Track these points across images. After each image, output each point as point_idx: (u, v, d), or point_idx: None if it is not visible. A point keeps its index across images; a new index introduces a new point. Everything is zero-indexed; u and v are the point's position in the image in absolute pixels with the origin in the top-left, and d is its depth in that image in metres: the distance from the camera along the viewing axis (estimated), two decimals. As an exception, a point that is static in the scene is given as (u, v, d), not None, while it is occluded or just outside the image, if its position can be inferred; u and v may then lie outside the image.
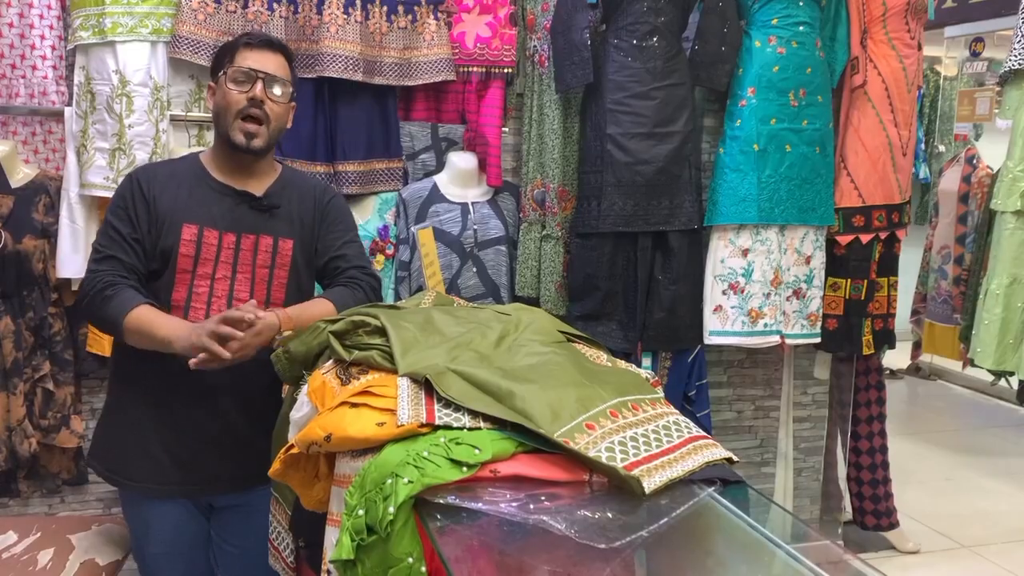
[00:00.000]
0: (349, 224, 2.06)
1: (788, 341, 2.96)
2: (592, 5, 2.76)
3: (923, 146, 5.82)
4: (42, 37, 2.48)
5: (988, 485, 4.23)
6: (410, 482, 1.04)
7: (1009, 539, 3.58)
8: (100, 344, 2.57)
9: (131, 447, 1.87)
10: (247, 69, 1.83)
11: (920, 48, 3.02)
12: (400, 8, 2.71)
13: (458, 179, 2.80)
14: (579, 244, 2.80)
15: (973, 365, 4.11)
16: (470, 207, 2.80)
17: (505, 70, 2.81)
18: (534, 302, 2.89)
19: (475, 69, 2.80)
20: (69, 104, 2.51)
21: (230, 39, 1.98)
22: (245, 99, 1.82)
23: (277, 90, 1.85)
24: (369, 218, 2.77)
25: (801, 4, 2.78)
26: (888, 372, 6.11)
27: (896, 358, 5.89)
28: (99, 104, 2.46)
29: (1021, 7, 2.65)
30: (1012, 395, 5.14)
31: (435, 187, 2.79)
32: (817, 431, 3.38)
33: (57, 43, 2.51)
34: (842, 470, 3.47)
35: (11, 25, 2.46)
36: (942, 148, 5.97)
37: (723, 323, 2.89)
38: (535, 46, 2.84)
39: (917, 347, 5.94)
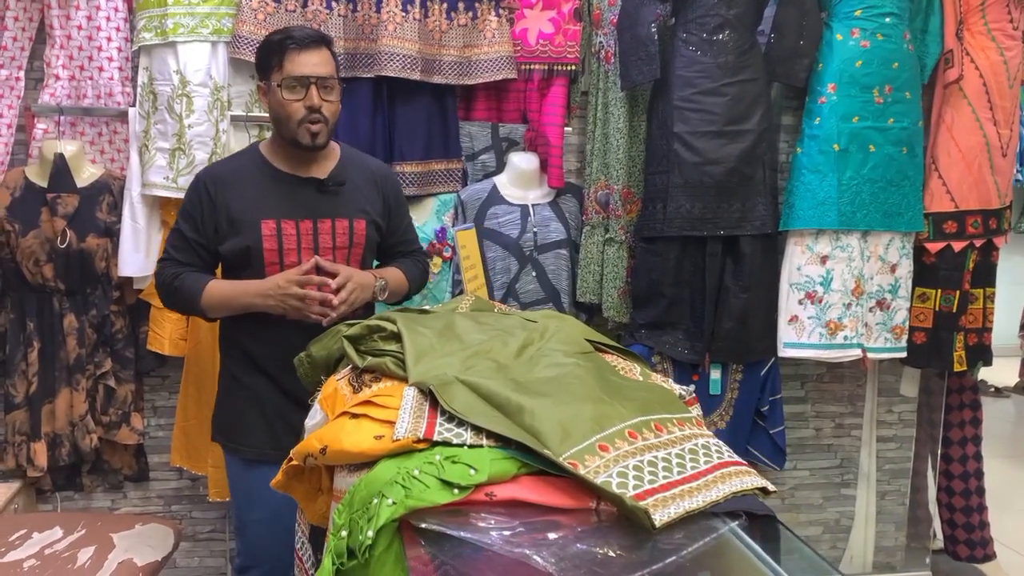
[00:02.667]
0: (407, 206, 2.22)
1: (870, 355, 2.76)
2: (661, -1, 2.64)
3: (1031, 147, 5.41)
4: (109, 39, 2.53)
5: (1101, 517, 3.87)
6: (394, 503, 0.96)
7: (1123, 578, 3.26)
8: (160, 342, 2.60)
9: (247, 414, 1.99)
10: (300, 76, 1.88)
11: (1025, 39, 2.77)
12: (460, 5, 2.65)
13: (518, 180, 2.72)
14: (644, 248, 2.68)
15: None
16: (530, 209, 2.71)
17: (568, 67, 2.71)
18: (596, 308, 2.79)
19: (537, 67, 2.71)
20: (133, 105, 2.55)
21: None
22: (303, 107, 1.88)
23: (329, 91, 1.91)
24: (427, 220, 2.71)
25: (888, -7, 2.59)
26: (993, 390, 5.72)
27: (1004, 375, 5.50)
28: (160, 104, 2.48)
29: None
30: None
31: (495, 188, 2.72)
32: (903, 452, 3.15)
33: (123, 45, 2.55)
34: (932, 494, 3.22)
35: (80, 28, 2.51)
36: (1057, 150, 5.53)
37: (799, 335, 2.71)
38: (601, 42, 2.73)
39: (1026, 364, 5.54)
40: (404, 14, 2.57)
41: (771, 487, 1.11)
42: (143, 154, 2.51)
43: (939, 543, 3.28)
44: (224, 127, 2.53)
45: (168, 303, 2.01)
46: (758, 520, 1.06)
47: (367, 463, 1.10)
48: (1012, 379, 5.74)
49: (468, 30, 2.66)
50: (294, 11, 2.53)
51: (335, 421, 1.16)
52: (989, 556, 3.18)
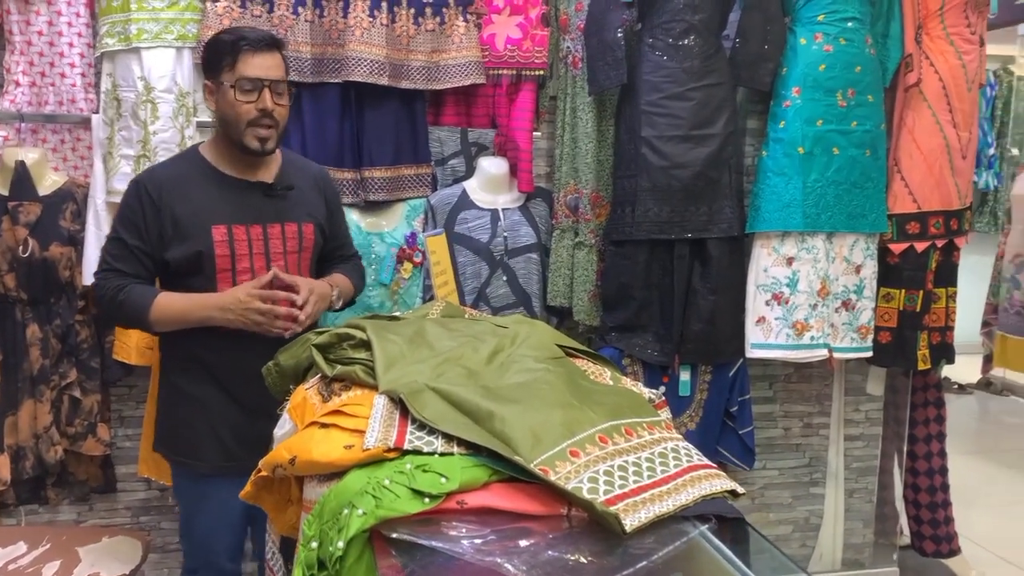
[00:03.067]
0: (343, 211, 2.25)
1: (837, 355, 2.79)
2: (627, 4, 2.65)
3: (991, 150, 5.52)
4: (70, 45, 2.49)
5: (1063, 510, 3.96)
6: (364, 514, 0.96)
7: (1084, 570, 3.33)
8: (127, 352, 2.56)
9: (198, 428, 1.95)
10: (254, 78, 1.86)
11: (982, 44, 2.83)
12: (428, 10, 2.64)
13: (488, 185, 2.72)
14: (613, 252, 2.69)
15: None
16: (500, 214, 2.72)
17: (537, 72, 2.72)
18: (566, 312, 2.80)
19: (505, 72, 2.71)
20: (97, 111, 2.51)
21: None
22: (255, 110, 1.87)
23: (281, 96, 1.90)
24: (397, 225, 2.70)
25: (850, -1, 2.63)
26: (956, 387, 5.82)
27: (966, 372, 5.60)
28: (125, 111, 2.45)
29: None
30: (1092, 413, 4.83)
31: (464, 193, 2.72)
32: (870, 450, 3.19)
33: (86, 51, 2.51)
34: (898, 491, 3.27)
35: (40, 33, 2.47)
36: (1015, 152, 5.66)
37: (766, 335, 2.74)
38: (568, 47, 2.74)
39: (988, 360, 5.62)
40: (371, 19, 2.56)
41: (740, 489, 1.12)
42: (107, 161, 2.47)
43: (906, 539, 3.33)
44: (190, 133, 2.50)
45: (110, 317, 1.97)
46: (727, 523, 1.07)
47: (337, 473, 1.09)
48: (974, 376, 5.85)
49: (436, 35, 2.66)
50: (260, 16, 2.52)
51: (304, 431, 1.16)
52: (954, 551, 3.24)
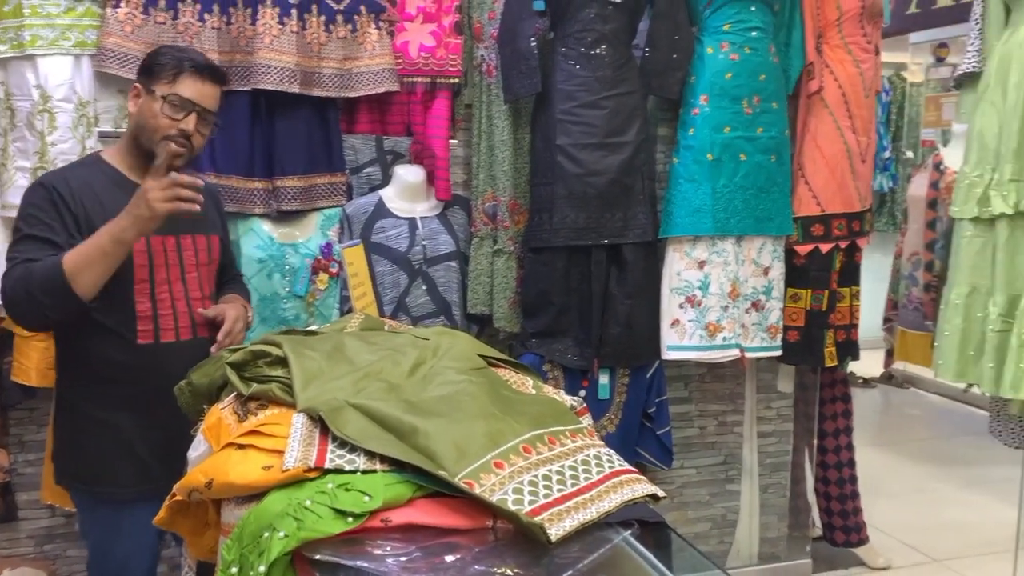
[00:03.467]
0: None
1: (748, 355, 2.87)
2: (540, 13, 2.68)
3: (887, 153, 5.78)
4: (-42, 51, 2.36)
5: (960, 496, 4.17)
6: (286, 536, 0.94)
7: (981, 552, 3.51)
8: (26, 373, 2.44)
9: (112, 455, 1.87)
10: (188, 99, 1.82)
11: (878, 53, 2.96)
12: (339, 17, 2.61)
13: (405, 193, 2.70)
14: (532, 259, 2.71)
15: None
16: (418, 222, 2.70)
17: (452, 80, 2.72)
18: (487, 319, 2.80)
19: (420, 79, 2.70)
20: (-11, 121, 2.39)
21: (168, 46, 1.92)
22: (176, 128, 1.82)
23: (206, 125, 1.87)
24: (312, 235, 2.66)
25: (753, 9, 2.71)
26: (861, 381, 6.06)
27: (869, 366, 5.83)
28: (19, 121, 2.34)
29: (973, 10, 2.59)
30: (985, 401, 5.08)
31: (381, 202, 2.69)
32: (782, 446, 3.29)
33: (-25, 58, 2.39)
34: (810, 485, 3.39)
35: (-75, 39, 2.34)
36: (910, 154, 5.94)
37: (681, 337, 2.80)
38: (482, 55, 2.75)
39: (890, 355, 5.88)
40: (281, 26, 2.51)
41: (661, 493, 1.14)
42: (1, 174, 2.35)
43: (818, 531, 3.45)
44: (91, 144, 2.41)
45: (23, 301, 1.68)
46: (649, 527, 1.09)
47: (256, 495, 1.06)
48: (877, 370, 6.10)
49: (348, 42, 2.63)
50: (164, 23, 2.44)
51: (220, 453, 1.12)
52: (863, 540, 3.37)
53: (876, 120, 3.12)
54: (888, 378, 6.18)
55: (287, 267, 2.59)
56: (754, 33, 2.73)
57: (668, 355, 2.81)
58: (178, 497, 1.15)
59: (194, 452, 1.29)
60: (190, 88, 1.82)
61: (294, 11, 2.52)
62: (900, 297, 5.56)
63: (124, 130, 2.44)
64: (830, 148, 2.87)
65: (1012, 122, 2.31)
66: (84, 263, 1.65)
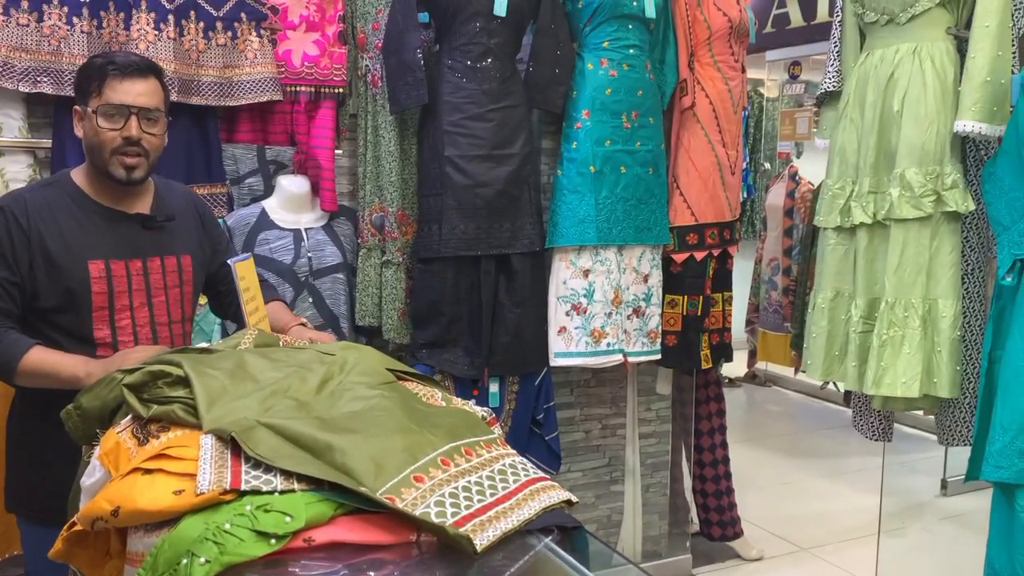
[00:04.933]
0: (218, 222, 2.13)
1: (630, 359, 2.98)
2: (424, 24, 2.69)
3: (745, 164, 6.12)
4: None
5: (822, 487, 4.45)
6: (207, 562, 0.91)
7: (844, 538, 3.76)
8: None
9: (62, 479, 1.71)
10: (119, 104, 1.72)
11: (744, 71, 3.13)
12: (218, 24, 2.54)
13: (289, 204, 2.65)
14: (421, 269, 2.71)
15: (801, 372, 4.31)
16: (303, 233, 2.65)
17: (336, 90, 2.69)
18: (376, 331, 2.78)
19: (303, 88, 2.66)
20: None
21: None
22: (120, 138, 1.73)
23: (152, 124, 1.77)
24: (191, 248, 2.56)
25: (631, 27, 2.82)
26: (727, 381, 6.35)
27: (733, 367, 6.10)
28: None
29: (832, 34, 2.79)
30: (839, 397, 5.45)
31: (264, 213, 2.63)
32: (663, 446, 3.42)
33: None
34: (688, 483, 3.53)
35: None
36: (767, 165, 6.30)
37: (567, 344, 2.87)
38: (367, 65, 2.73)
39: (753, 355, 6.22)
40: (157, 32, 2.42)
41: (574, 499, 1.17)
42: None
43: (695, 526, 3.60)
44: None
45: None
46: (566, 532, 1.12)
47: (167, 521, 1.03)
48: (741, 370, 6.42)
49: (228, 50, 2.56)
50: (27, 25, 2.30)
51: (125, 479, 1.08)
52: (738, 533, 3.55)
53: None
54: (752, 377, 6.51)
55: (166, 281, 2.48)
56: (632, 51, 2.84)
57: (556, 362, 2.87)
58: (78, 527, 1.09)
59: (89, 479, 1.23)
60: (119, 92, 1.72)
61: (171, 17, 2.44)
62: (760, 300, 5.89)
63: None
64: (702, 161, 3.01)
65: (869, 138, 2.49)
66: (35, 376, 1.68)
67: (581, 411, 3.26)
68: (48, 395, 1.69)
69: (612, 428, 3.33)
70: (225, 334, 2.59)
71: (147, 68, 1.78)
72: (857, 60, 2.61)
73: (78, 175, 1.82)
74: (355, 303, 2.74)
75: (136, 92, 1.73)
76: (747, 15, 3.07)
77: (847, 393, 4.91)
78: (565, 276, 2.86)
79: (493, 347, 2.77)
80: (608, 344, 2.91)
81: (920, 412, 4.42)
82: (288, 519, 0.98)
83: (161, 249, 1.85)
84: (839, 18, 2.77)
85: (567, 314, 2.86)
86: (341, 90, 2.69)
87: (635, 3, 2.79)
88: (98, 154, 1.74)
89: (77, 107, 1.78)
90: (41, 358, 1.67)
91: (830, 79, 2.78)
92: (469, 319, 2.75)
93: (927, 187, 2.37)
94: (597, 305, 2.88)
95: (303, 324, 1.96)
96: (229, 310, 2.09)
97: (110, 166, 1.74)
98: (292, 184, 2.64)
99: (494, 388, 2.85)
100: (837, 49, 2.75)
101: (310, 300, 2.64)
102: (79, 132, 1.79)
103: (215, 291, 2.08)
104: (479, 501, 1.07)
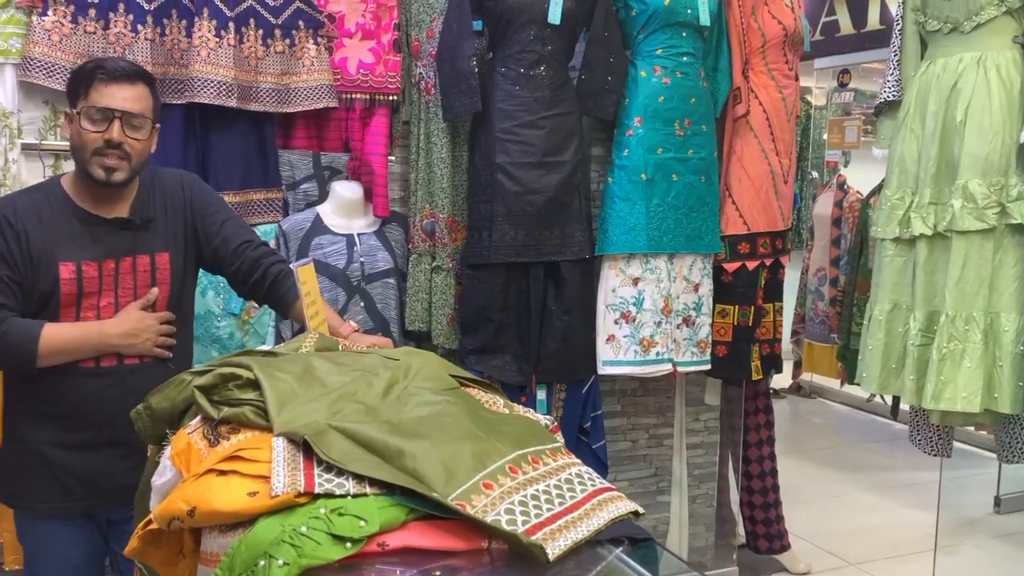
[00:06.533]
0: (221, 201, 2.06)
1: (679, 369, 2.95)
2: (478, 32, 2.70)
3: (794, 173, 6.07)
4: None
5: (869, 501, 4.37)
6: (285, 564, 0.92)
7: (893, 554, 3.69)
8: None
9: (33, 469, 1.86)
10: (103, 108, 1.76)
11: (797, 79, 3.10)
12: (277, 32, 2.58)
13: (343, 209, 2.68)
14: (470, 276, 2.72)
15: (851, 383, 4.21)
16: (356, 239, 2.68)
17: (390, 97, 2.72)
18: (425, 336, 2.80)
19: (358, 96, 2.69)
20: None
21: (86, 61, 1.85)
22: (101, 140, 1.77)
23: (136, 130, 1.79)
24: (246, 252, 2.60)
25: (684, 35, 2.80)
26: (772, 392, 6.27)
27: (778, 378, 6.04)
28: (-64, 130, 2.22)
29: (893, 41, 2.75)
30: (886, 410, 5.36)
31: (318, 218, 2.66)
32: (710, 457, 3.39)
33: None
34: (734, 495, 3.50)
35: None
36: (815, 174, 6.22)
37: (616, 353, 2.86)
38: (421, 73, 2.75)
39: (798, 366, 6.13)
40: (218, 39, 2.46)
41: (641, 510, 1.17)
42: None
43: (742, 539, 3.55)
44: (14, 156, 2.30)
45: None
46: (636, 543, 1.11)
47: (241, 523, 1.04)
48: (786, 381, 6.34)
49: (286, 57, 2.59)
50: (94, 33, 2.36)
51: (201, 479, 1.09)
52: (785, 547, 3.50)
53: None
54: (796, 389, 6.42)
55: (222, 284, 2.52)
56: (685, 58, 2.82)
57: (604, 370, 2.86)
58: (153, 526, 1.11)
59: (159, 479, 1.25)
60: (105, 96, 1.76)
61: (232, 24, 2.48)
62: (807, 311, 5.81)
63: (49, 142, 2.37)
64: (755, 169, 2.98)
65: (930, 148, 2.45)
66: (58, 350, 1.76)
67: (628, 420, 3.24)
68: (35, 387, 1.81)
69: (659, 438, 3.30)
70: (279, 336, 2.62)
71: (135, 75, 1.82)
72: (918, 69, 2.57)
73: (66, 181, 1.87)
74: (405, 308, 2.75)
75: (122, 97, 1.77)
76: (801, 23, 3.04)
77: (894, 406, 4.83)
78: (614, 284, 2.85)
79: (541, 354, 2.76)
80: (657, 353, 2.90)
81: (971, 428, 4.34)
82: (363, 523, 0.99)
83: (135, 249, 1.87)
84: (899, 27, 2.73)
85: (616, 322, 2.85)
86: (395, 98, 2.72)
87: (689, 11, 2.78)
88: (79, 155, 1.79)
89: (66, 110, 1.84)
90: (57, 336, 1.76)
91: (890, 88, 2.74)
92: (517, 326, 2.75)
93: (991, 199, 2.33)
94: (647, 314, 2.86)
95: (356, 330, 1.98)
96: (246, 285, 2.00)
97: (90, 167, 1.77)
98: (346, 190, 2.66)
99: (541, 395, 2.85)
100: (897, 58, 2.71)
101: (361, 304, 2.66)
102: (66, 134, 1.84)
103: (225, 263, 1.99)
104: (548, 510, 1.07)
